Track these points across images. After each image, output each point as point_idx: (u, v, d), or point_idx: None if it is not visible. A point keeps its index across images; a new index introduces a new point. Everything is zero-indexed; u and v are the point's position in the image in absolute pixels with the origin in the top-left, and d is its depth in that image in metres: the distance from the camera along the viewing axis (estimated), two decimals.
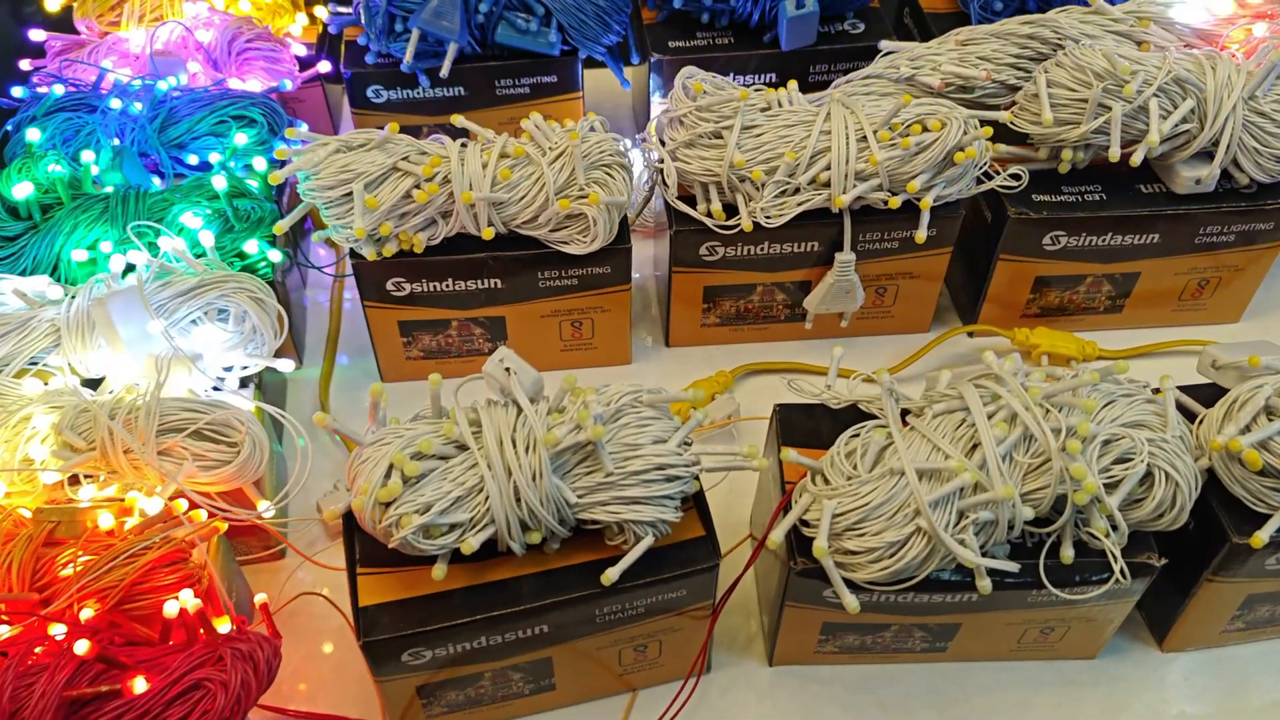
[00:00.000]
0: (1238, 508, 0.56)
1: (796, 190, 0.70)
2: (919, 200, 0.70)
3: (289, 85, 0.83)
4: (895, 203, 0.69)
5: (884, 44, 0.79)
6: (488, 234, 0.68)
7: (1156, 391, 0.58)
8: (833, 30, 0.87)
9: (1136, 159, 0.70)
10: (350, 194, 0.66)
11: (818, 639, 0.61)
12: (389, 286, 0.71)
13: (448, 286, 0.71)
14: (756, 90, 0.72)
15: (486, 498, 0.52)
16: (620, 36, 0.86)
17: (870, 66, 0.78)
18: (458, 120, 0.71)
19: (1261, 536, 0.55)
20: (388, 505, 0.52)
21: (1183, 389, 0.61)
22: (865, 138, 0.69)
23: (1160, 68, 0.69)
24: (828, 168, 0.69)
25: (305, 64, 0.88)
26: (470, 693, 0.58)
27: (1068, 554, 0.55)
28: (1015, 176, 0.73)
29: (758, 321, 0.79)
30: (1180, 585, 0.61)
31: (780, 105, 0.72)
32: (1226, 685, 0.63)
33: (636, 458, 0.53)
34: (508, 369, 0.54)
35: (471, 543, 0.52)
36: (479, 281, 0.71)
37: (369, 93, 0.85)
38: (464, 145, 0.68)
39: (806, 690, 0.63)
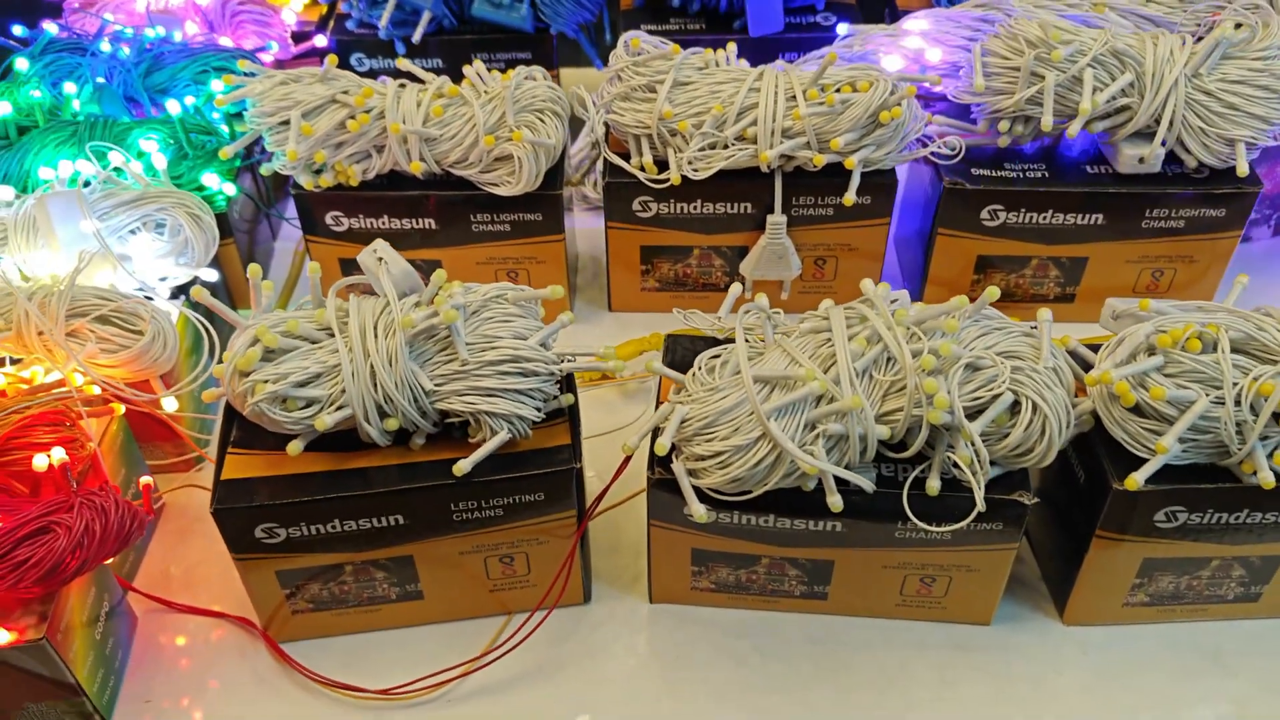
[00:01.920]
0: (1122, 455, 0.54)
1: (726, 146, 0.71)
2: (845, 159, 0.70)
3: (275, 47, 0.88)
4: (819, 160, 0.70)
5: (842, 27, 0.80)
6: (415, 167, 0.70)
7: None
8: (804, 21, 0.89)
9: (1073, 130, 0.69)
10: (288, 122, 0.69)
11: (690, 570, 0.60)
12: (328, 220, 0.74)
13: (384, 224, 0.74)
14: (695, 51, 0.74)
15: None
16: (594, 17, 0.88)
17: (827, 49, 0.79)
18: (402, 64, 0.74)
19: (1137, 479, 0.52)
20: (247, 375, 0.53)
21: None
22: (795, 97, 0.70)
23: (1097, 39, 0.69)
24: (755, 123, 0.70)
25: (305, 39, 0.93)
26: (334, 589, 0.59)
27: (934, 485, 0.54)
28: (950, 146, 0.72)
29: (698, 288, 0.79)
30: (1075, 546, 0.58)
31: (717, 65, 0.73)
32: (1122, 666, 0.59)
33: (493, 349, 0.54)
34: (380, 258, 0.56)
35: (325, 420, 0.53)
36: (414, 221, 0.74)
37: (353, 60, 0.89)
38: (403, 85, 0.71)
39: (683, 630, 0.62)
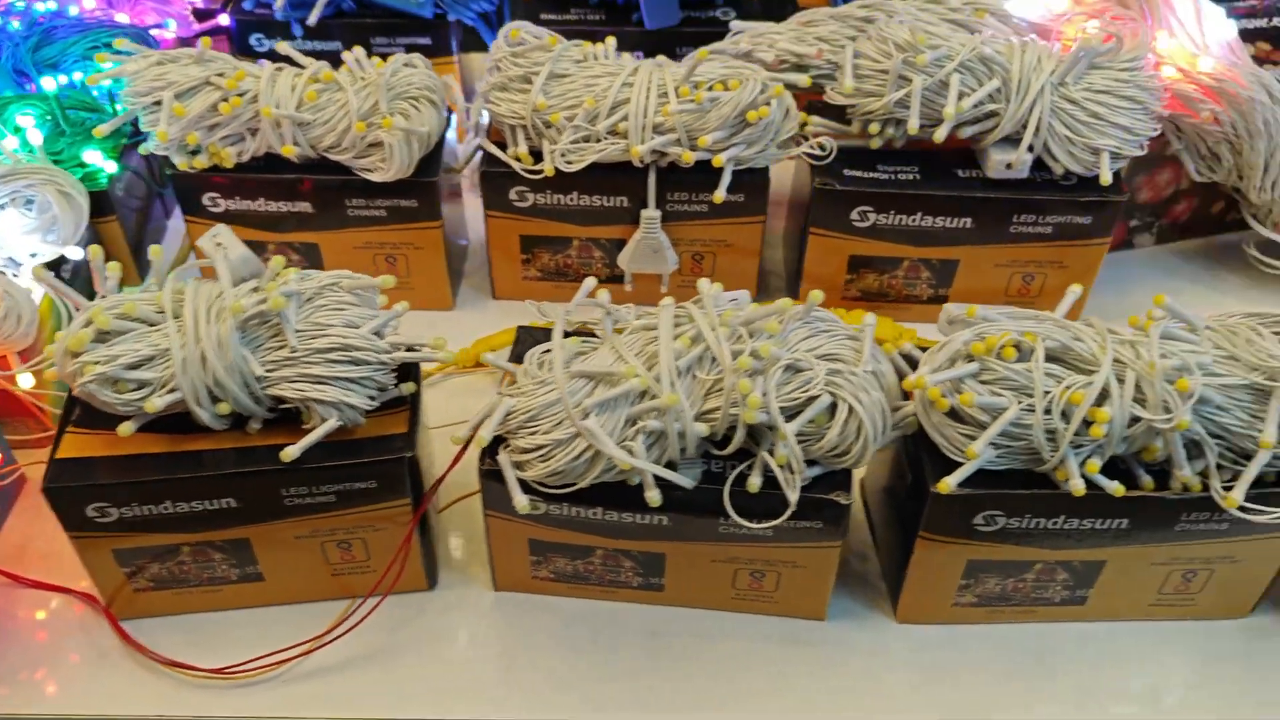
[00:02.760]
0: (943, 458, 0.55)
1: (599, 139, 0.72)
2: (714, 157, 0.71)
3: (173, 25, 0.88)
4: (689, 157, 0.70)
5: (733, 23, 0.81)
6: (287, 151, 0.71)
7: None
8: (703, 16, 0.89)
9: (939, 135, 0.70)
10: (161, 102, 0.70)
11: (530, 560, 0.61)
12: (205, 201, 0.74)
13: (260, 206, 0.74)
14: (575, 44, 0.74)
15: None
16: (493, 5, 0.89)
17: (719, 43, 0.80)
18: (281, 47, 0.74)
19: (949, 482, 0.53)
20: (78, 355, 0.54)
21: None
22: (667, 93, 0.71)
23: (965, 45, 0.69)
24: (627, 118, 0.70)
25: (209, 16, 0.93)
26: (173, 568, 0.59)
27: (754, 482, 0.54)
28: (822, 146, 0.73)
29: (579, 279, 0.80)
30: (905, 546, 0.59)
31: (596, 59, 0.74)
32: (950, 665, 0.61)
33: (323, 336, 0.55)
34: (219, 243, 0.56)
35: (155, 403, 0.54)
36: (291, 204, 0.74)
37: (252, 40, 0.89)
38: (280, 69, 0.72)
39: (525, 617, 0.63)
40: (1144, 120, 0.70)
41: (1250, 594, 0.62)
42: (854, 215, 0.74)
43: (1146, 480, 0.55)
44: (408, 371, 0.60)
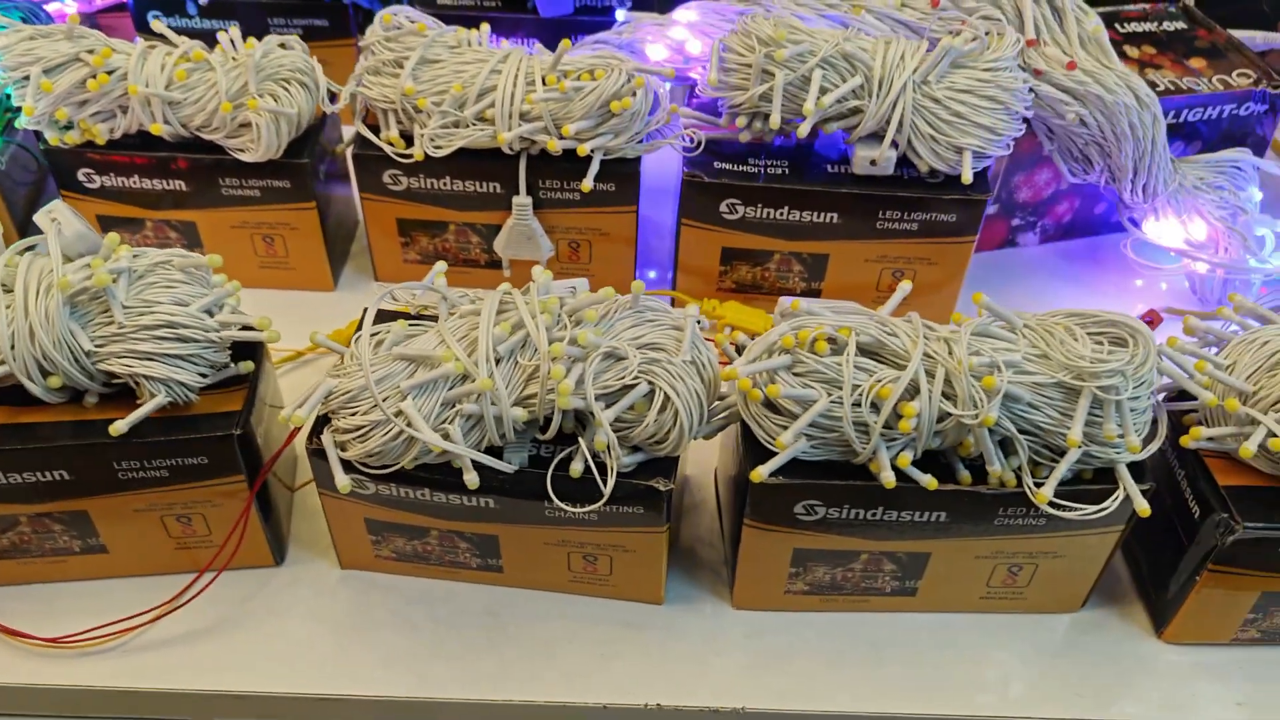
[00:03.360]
0: (764, 448, 0.56)
1: (468, 125, 0.72)
2: (579, 145, 0.71)
3: (72, 2, 0.88)
4: (554, 145, 0.71)
5: (620, 12, 0.81)
6: (156, 129, 0.71)
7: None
8: (600, 4, 0.90)
9: (802, 130, 0.71)
10: (29, 77, 0.70)
11: (370, 539, 0.62)
12: (80, 178, 0.75)
13: (135, 183, 0.75)
14: (450, 30, 0.75)
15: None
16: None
17: (603, 33, 0.80)
18: (157, 25, 0.74)
19: (762, 472, 0.54)
20: None
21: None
22: (535, 81, 0.71)
23: (830, 40, 0.70)
24: (494, 105, 0.71)
25: None
26: (14, 538, 0.60)
27: (575, 467, 0.55)
28: (694, 139, 0.74)
29: (458, 263, 0.81)
30: (736, 533, 0.60)
31: (469, 45, 0.74)
32: (781, 650, 0.62)
33: (150, 314, 0.55)
34: (54, 219, 0.57)
35: None
36: (165, 182, 0.75)
37: (149, 17, 0.90)
38: (153, 47, 0.72)
39: (366, 595, 0.64)
40: (1006, 120, 0.71)
41: (1078, 589, 0.63)
42: (723, 208, 0.75)
43: (964, 474, 0.56)
44: (251, 350, 0.61)
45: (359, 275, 0.84)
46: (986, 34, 0.74)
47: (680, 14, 0.79)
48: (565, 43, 0.70)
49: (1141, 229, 0.81)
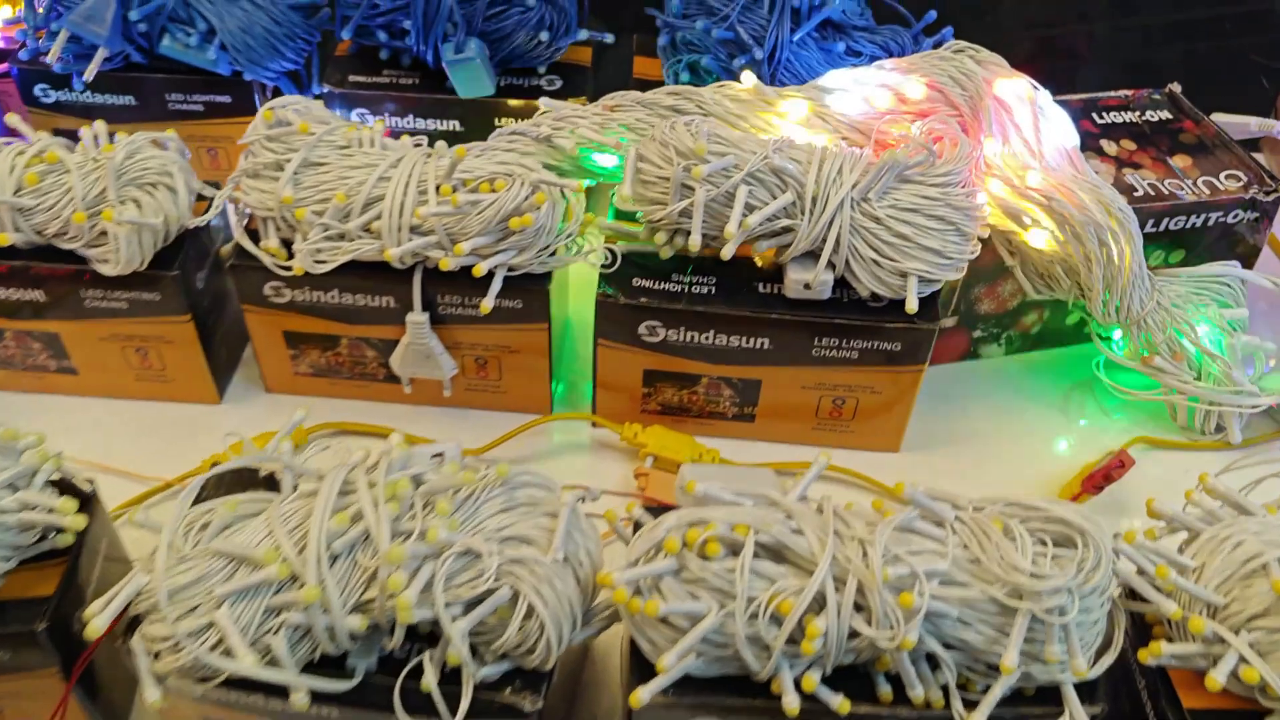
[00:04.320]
0: (644, 664, 0.48)
1: (352, 238, 0.64)
2: (475, 267, 0.63)
3: None
4: (446, 264, 0.63)
5: (542, 101, 0.73)
6: (3, 239, 0.64)
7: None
8: (526, 84, 0.82)
9: (725, 253, 0.63)
10: None
11: None
12: None
13: None
14: (338, 127, 0.67)
15: None
16: (297, 65, 0.81)
17: (522, 123, 0.73)
18: (11, 119, 0.67)
19: (641, 696, 0.46)
20: None
21: None
22: (428, 190, 0.64)
23: (756, 152, 0.62)
24: (380, 217, 0.63)
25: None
26: None
27: (427, 682, 0.47)
28: (611, 254, 0.66)
29: (354, 377, 0.73)
30: None
31: (360, 145, 0.67)
32: None
33: None
34: None
35: None
36: (23, 291, 0.67)
37: (37, 91, 0.82)
38: (8, 143, 0.65)
39: None
40: (958, 243, 0.63)
41: None
42: (642, 330, 0.67)
43: (884, 691, 0.49)
44: (86, 504, 0.53)
45: (250, 386, 0.76)
46: (937, 140, 0.66)
47: (607, 102, 0.71)
48: (460, 150, 0.63)
49: (1116, 351, 0.73)
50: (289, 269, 0.66)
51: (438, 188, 0.63)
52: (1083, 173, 0.67)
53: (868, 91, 0.69)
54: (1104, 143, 0.77)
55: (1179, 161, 0.76)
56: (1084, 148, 0.75)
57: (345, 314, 0.69)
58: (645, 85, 0.82)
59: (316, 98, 0.81)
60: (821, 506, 0.49)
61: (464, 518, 0.48)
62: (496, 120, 0.81)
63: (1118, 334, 0.73)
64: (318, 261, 0.65)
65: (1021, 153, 0.67)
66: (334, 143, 0.66)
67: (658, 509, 0.53)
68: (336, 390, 0.74)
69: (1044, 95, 0.69)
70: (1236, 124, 0.87)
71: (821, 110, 0.69)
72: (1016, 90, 0.67)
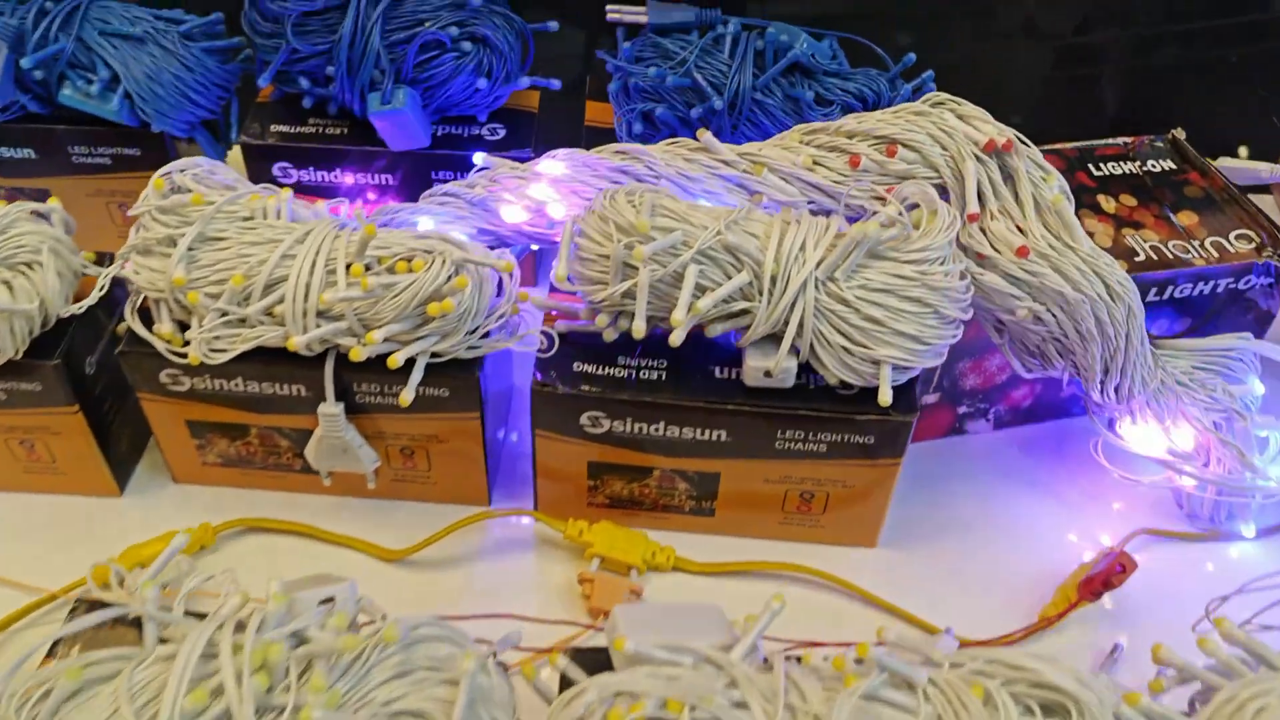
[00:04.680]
0: None
1: (253, 323, 0.57)
2: (390, 357, 0.56)
3: None
4: (357, 354, 0.56)
5: (478, 157, 0.66)
6: None
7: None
8: (465, 134, 0.74)
9: (674, 339, 0.55)
10: None
11: None
12: None
13: None
14: (241, 197, 0.59)
15: None
16: (212, 114, 0.74)
17: (454, 183, 0.65)
18: None
19: None
20: None
21: None
22: (337, 270, 0.56)
23: (708, 227, 0.55)
24: (284, 301, 0.56)
25: None
26: None
27: None
28: (547, 336, 0.59)
29: (269, 467, 0.66)
30: None
31: (265, 217, 0.59)
32: None
33: None
34: None
35: None
36: None
37: None
38: None
39: None
40: (937, 328, 0.56)
41: None
42: (584, 420, 0.60)
43: None
44: None
45: (157, 474, 0.68)
46: (913, 206, 0.58)
47: (545, 165, 0.64)
48: (369, 229, 0.55)
49: (1115, 431, 0.66)
50: (183, 355, 0.58)
51: (349, 266, 0.56)
52: (1077, 241, 0.60)
53: (836, 148, 0.61)
54: (1101, 198, 0.70)
55: (1184, 219, 0.69)
56: (1080, 204, 0.68)
57: (253, 403, 0.61)
58: (598, 133, 0.75)
59: (238, 144, 0.74)
60: (773, 663, 0.42)
61: (349, 687, 0.41)
62: (433, 173, 0.74)
63: (1118, 415, 0.65)
64: (215, 350, 0.57)
65: (1008, 220, 0.60)
66: (235, 214, 0.59)
67: (588, 654, 0.46)
68: (250, 481, 0.66)
69: (1033, 153, 0.62)
70: (1245, 170, 0.80)
71: (784, 171, 0.62)
72: (1001, 147, 0.60)
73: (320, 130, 0.74)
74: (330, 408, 0.60)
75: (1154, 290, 0.65)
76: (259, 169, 0.74)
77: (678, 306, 0.54)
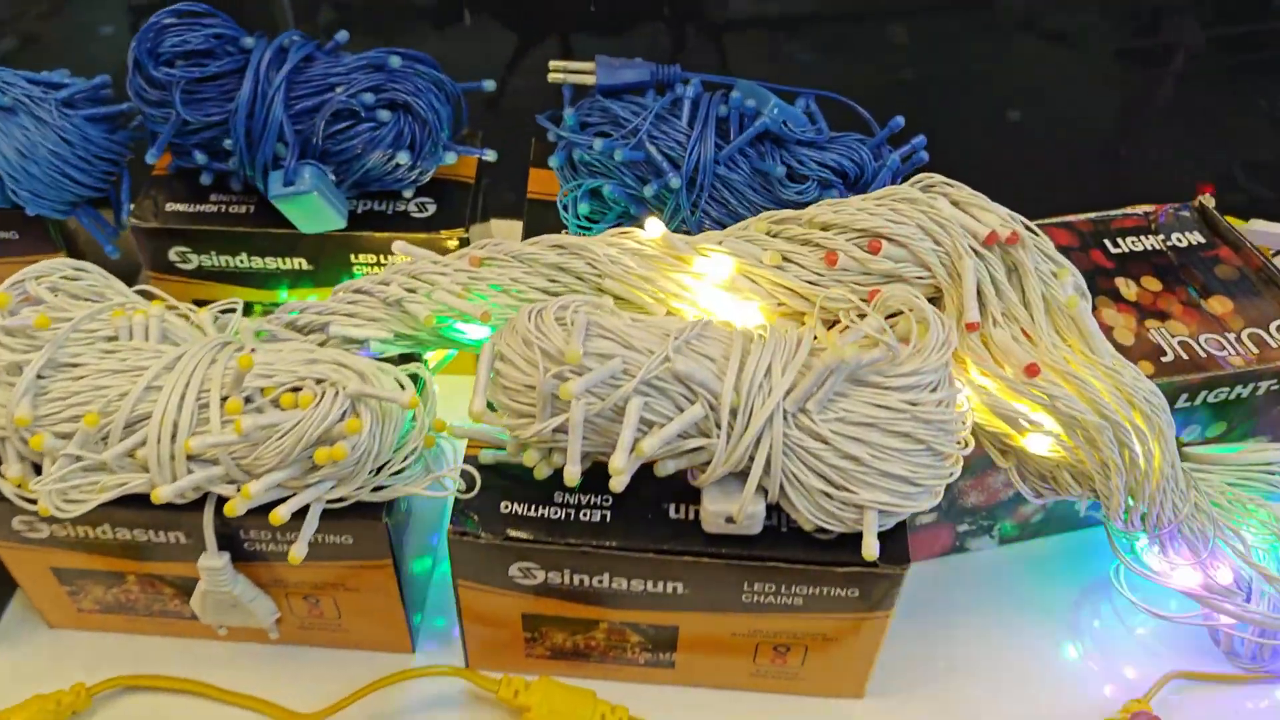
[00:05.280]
0: None
1: (113, 470, 0.48)
2: (274, 514, 0.47)
3: None
4: (233, 509, 0.46)
5: (396, 245, 0.57)
6: None
7: None
8: (390, 210, 0.65)
9: (615, 486, 0.46)
10: None
11: None
12: None
13: None
14: (102, 315, 0.50)
15: None
16: (97, 192, 0.65)
17: (367, 278, 0.56)
18: None
19: None
20: None
21: None
22: (210, 405, 0.47)
23: (654, 352, 0.46)
24: (146, 443, 0.47)
25: None
26: None
27: None
28: (469, 478, 0.50)
29: (154, 614, 0.56)
30: None
31: (132, 335, 0.50)
32: None
33: None
34: None
35: None
36: None
37: None
38: None
39: None
40: (930, 467, 0.47)
41: None
42: (513, 571, 0.50)
43: None
44: None
45: (29, 619, 0.59)
46: (898, 312, 0.49)
47: (471, 259, 0.54)
48: (244, 361, 0.46)
49: (1140, 560, 0.56)
50: (33, 501, 0.49)
51: (224, 399, 0.47)
52: (1097, 351, 0.51)
53: (810, 241, 0.52)
54: (1120, 282, 0.60)
55: (1217, 306, 0.59)
56: (1096, 292, 0.59)
57: (126, 550, 0.52)
58: (542, 205, 0.66)
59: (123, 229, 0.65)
60: None
61: None
62: (353, 256, 0.65)
63: (1142, 542, 0.56)
64: (68, 501, 0.48)
65: (1013, 325, 0.51)
66: (95, 334, 0.49)
67: None
68: (135, 627, 0.57)
69: (1044, 243, 0.52)
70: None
71: (750, 269, 0.52)
72: (1005, 240, 0.51)
73: (223, 209, 0.65)
74: (212, 560, 0.50)
75: (1184, 396, 0.56)
76: (154, 253, 0.65)
77: (617, 450, 0.45)
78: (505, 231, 0.76)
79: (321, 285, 0.66)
